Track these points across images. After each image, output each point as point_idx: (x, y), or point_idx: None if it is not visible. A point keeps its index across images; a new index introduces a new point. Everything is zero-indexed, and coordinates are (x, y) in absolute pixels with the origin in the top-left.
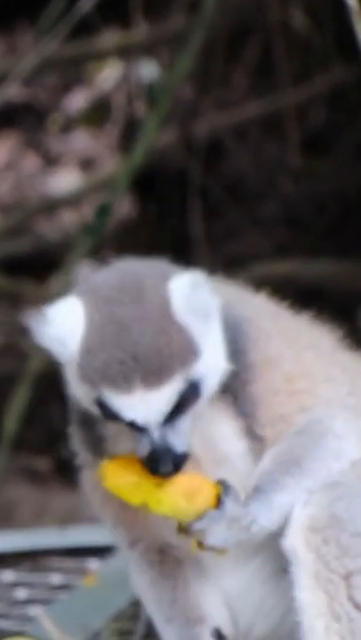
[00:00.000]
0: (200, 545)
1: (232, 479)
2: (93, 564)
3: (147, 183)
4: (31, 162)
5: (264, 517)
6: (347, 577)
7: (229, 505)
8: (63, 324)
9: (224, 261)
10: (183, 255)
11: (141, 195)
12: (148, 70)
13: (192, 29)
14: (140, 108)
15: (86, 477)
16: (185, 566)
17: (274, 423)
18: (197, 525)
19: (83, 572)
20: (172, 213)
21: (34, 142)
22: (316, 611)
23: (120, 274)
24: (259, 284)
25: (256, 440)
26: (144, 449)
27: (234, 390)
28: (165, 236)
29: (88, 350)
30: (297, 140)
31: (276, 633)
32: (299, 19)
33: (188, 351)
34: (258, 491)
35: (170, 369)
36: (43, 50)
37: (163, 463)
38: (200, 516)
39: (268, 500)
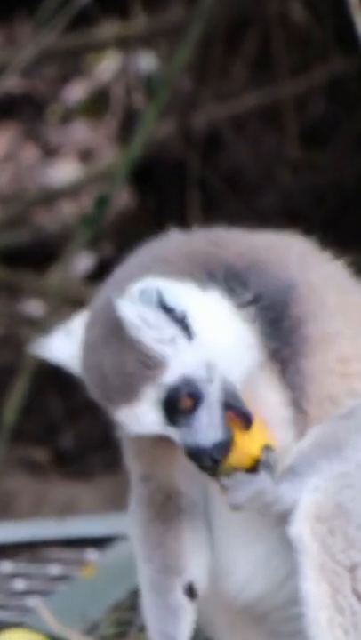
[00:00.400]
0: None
1: (274, 440)
2: (92, 554)
3: (145, 174)
4: (30, 153)
5: (291, 499)
6: (352, 569)
7: (262, 477)
8: (62, 349)
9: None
10: None
11: (140, 186)
12: (147, 62)
13: (191, 21)
14: (139, 99)
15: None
16: (184, 518)
17: (321, 402)
18: (224, 482)
19: (81, 563)
20: (170, 204)
21: (33, 133)
22: (320, 602)
23: (108, 282)
24: None
25: (300, 413)
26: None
27: (283, 359)
28: (164, 228)
29: (82, 371)
30: (296, 131)
31: (273, 597)
32: (298, 10)
33: (143, 364)
34: (292, 471)
35: (130, 386)
36: (42, 41)
37: (198, 461)
38: (231, 471)
39: (300, 482)
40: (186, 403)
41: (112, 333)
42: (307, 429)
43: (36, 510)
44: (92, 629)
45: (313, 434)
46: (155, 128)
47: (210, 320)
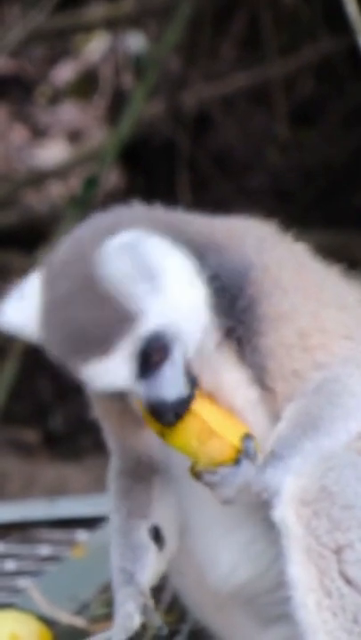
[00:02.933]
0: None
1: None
2: (82, 535)
3: (135, 155)
4: (19, 134)
5: (278, 482)
6: (338, 551)
7: (245, 467)
8: (21, 309)
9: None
10: None
11: (129, 166)
12: (136, 42)
13: (180, 1)
14: (128, 79)
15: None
16: (155, 477)
17: (287, 378)
18: (209, 478)
19: (71, 544)
20: (159, 185)
21: (21, 114)
22: (307, 586)
23: (69, 243)
24: None
25: (267, 391)
26: (143, 405)
27: (241, 339)
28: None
29: (44, 331)
30: (285, 111)
31: (259, 582)
32: None
33: (121, 317)
34: (274, 456)
35: (106, 338)
36: (30, 22)
37: (160, 415)
38: (214, 467)
39: (284, 465)
40: (157, 355)
41: (84, 285)
42: (277, 407)
43: (25, 491)
44: (82, 610)
45: (287, 415)
46: (144, 108)
47: (179, 280)
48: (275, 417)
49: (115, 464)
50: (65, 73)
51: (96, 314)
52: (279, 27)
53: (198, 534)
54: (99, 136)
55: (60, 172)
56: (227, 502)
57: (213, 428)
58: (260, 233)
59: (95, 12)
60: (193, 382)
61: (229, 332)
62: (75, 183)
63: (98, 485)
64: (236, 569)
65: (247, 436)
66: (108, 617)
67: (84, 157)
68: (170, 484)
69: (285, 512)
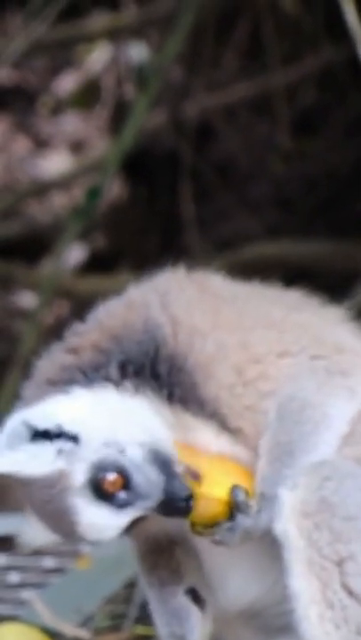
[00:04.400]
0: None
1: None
2: (86, 547)
3: (137, 165)
4: (21, 144)
5: (273, 517)
6: (340, 563)
7: (240, 520)
8: None
9: (215, 243)
10: (174, 237)
11: (131, 177)
12: (138, 52)
13: (181, 11)
14: (130, 89)
15: None
16: (176, 546)
17: (243, 415)
18: (212, 538)
19: (76, 556)
20: (162, 195)
21: (24, 125)
22: (309, 598)
23: None
24: (249, 265)
25: (236, 432)
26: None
27: (183, 398)
28: (156, 218)
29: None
30: (287, 120)
31: (267, 600)
32: None
33: (53, 485)
34: (263, 498)
35: (63, 512)
36: (32, 32)
37: (177, 512)
38: (211, 527)
39: (275, 502)
40: (112, 482)
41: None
42: (252, 442)
43: None
44: (86, 622)
45: (262, 452)
46: (146, 118)
47: (88, 411)
48: (254, 451)
49: (134, 547)
50: (67, 83)
51: (39, 498)
52: (281, 36)
53: (205, 558)
54: (101, 146)
55: (63, 183)
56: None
57: (198, 492)
58: (161, 288)
59: (97, 22)
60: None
61: (170, 398)
62: (77, 194)
63: None
64: (244, 589)
65: (235, 488)
66: (112, 629)
67: (87, 168)
68: (188, 544)
69: (287, 525)
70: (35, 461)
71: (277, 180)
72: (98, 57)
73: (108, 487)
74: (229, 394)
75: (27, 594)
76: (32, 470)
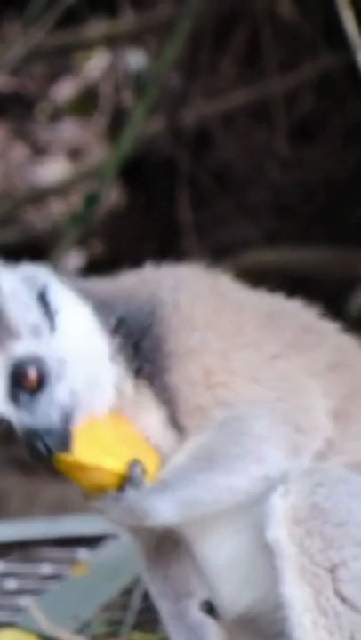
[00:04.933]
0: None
1: (150, 450)
2: (83, 553)
3: (135, 172)
4: (19, 151)
5: (161, 511)
6: (332, 570)
7: (128, 494)
8: None
9: (213, 249)
10: (172, 243)
11: (129, 183)
12: (136, 59)
13: (179, 18)
14: (128, 96)
15: None
16: (181, 549)
17: (192, 413)
18: (95, 503)
19: (73, 562)
20: (160, 202)
21: (22, 132)
22: (302, 605)
23: None
24: (247, 272)
25: (180, 431)
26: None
27: (151, 377)
28: (154, 225)
29: None
30: (285, 127)
31: (262, 606)
32: (286, 6)
33: (1, 332)
34: (163, 484)
35: None
36: (30, 39)
37: (33, 444)
38: (98, 494)
39: (170, 494)
40: (31, 380)
41: None
42: None
43: (27, 509)
44: (83, 628)
45: (186, 447)
46: (144, 125)
47: (76, 326)
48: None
49: (138, 551)
50: (65, 90)
51: None
52: (279, 43)
53: (201, 567)
54: (99, 153)
55: (61, 190)
56: (118, 523)
57: (88, 463)
58: (179, 274)
59: (95, 29)
60: (69, 422)
61: (139, 372)
62: (75, 200)
63: None
64: (237, 598)
65: (135, 462)
66: (109, 636)
67: (85, 174)
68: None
69: (278, 532)
70: (16, 304)
71: (275, 186)
72: (96, 64)
73: (24, 379)
74: (190, 389)
75: (24, 600)
76: (8, 306)
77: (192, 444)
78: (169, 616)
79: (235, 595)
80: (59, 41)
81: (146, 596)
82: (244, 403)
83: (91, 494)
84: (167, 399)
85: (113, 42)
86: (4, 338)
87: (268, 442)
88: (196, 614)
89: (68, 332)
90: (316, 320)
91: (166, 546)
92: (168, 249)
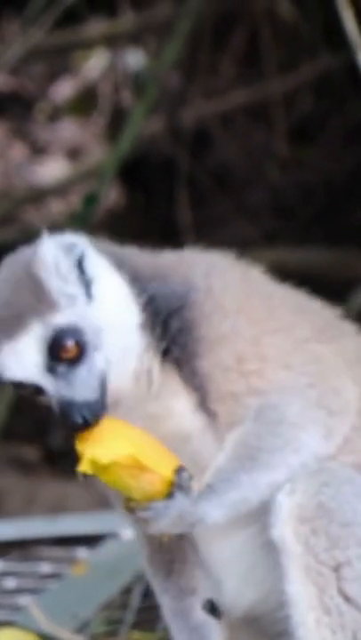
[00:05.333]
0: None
1: (191, 454)
2: (82, 552)
3: (134, 172)
4: (18, 151)
5: (212, 516)
6: (336, 569)
7: (179, 501)
8: None
9: (212, 249)
10: (171, 243)
11: (129, 183)
12: (135, 59)
13: (179, 18)
14: (127, 96)
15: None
16: (185, 544)
17: (224, 400)
18: (143, 514)
19: (72, 561)
20: (159, 202)
21: (21, 131)
22: (306, 604)
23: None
24: None
25: (210, 416)
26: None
27: (180, 362)
28: (153, 225)
29: None
30: (284, 127)
31: (265, 605)
32: (285, 7)
33: (40, 302)
34: (210, 489)
35: (18, 319)
36: (29, 39)
37: (67, 416)
38: (146, 503)
39: (218, 499)
40: (70, 350)
41: (16, 272)
42: (222, 432)
43: (26, 508)
44: (82, 628)
45: (227, 446)
46: (143, 125)
47: (111, 296)
48: (221, 443)
49: (141, 545)
50: (64, 90)
51: (16, 294)
52: (279, 43)
53: (205, 564)
54: (98, 153)
55: (60, 189)
56: (160, 535)
57: (145, 462)
58: (211, 260)
59: (94, 28)
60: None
61: (166, 354)
62: (74, 200)
63: (98, 503)
64: (240, 595)
65: (180, 469)
66: (108, 635)
67: (84, 174)
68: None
69: (284, 530)
70: (56, 275)
71: (274, 187)
72: (95, 63)
73: (63, 350)
74: (222, 375)
75: (23, 599)
76: (48, 276)
77: (231, 441)
78: (171, 613)
79: (238, 592)
80: (58, 41)
81: (145, 595)
82: (276, 390)
83: (137, 504)
84: (196, 384)
85: (112, 42)
86: (43, 308)
87: (303, 429)
88: (200, 613)
89: (104, 300)
90: (337, 318)
91: (170, 540)
92: (167, 248)
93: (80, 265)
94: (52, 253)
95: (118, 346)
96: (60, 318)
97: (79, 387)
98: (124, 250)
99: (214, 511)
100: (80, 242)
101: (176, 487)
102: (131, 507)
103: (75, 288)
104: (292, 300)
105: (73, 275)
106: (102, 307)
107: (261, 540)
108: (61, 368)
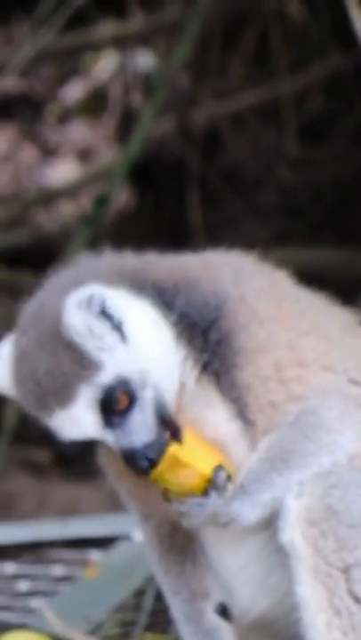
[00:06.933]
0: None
1: (228, 462)
2: (95, 555)
3: (144, 173)
4: (29, 153)
5: (245, 516)
6: (346, 570)
7: (213, 500)
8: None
9: (222, 250)
10: (181, 245)
11: (139, 184)
12: (145, 60)
13: (188, 19)
14: (137, 98)
15: (102, 451)
16: (194, 541)
17: (264, 410)
18: (178, 507)
19: (85, 564)
20: (170, 203)
21: (31, 133)
22: (316, 606)
23: (38, 297)
24: None
25: (249, 424)
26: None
27: (219, 373)
28: (163, 226)
29: (14, 386)
30: (294, 128)
31: (278, 610)
32: (295, 7)
33: (84, 368)
34: (242, 490)
35: (65, 388)
36: (39, 41)
37: (133, 463)
38: (183, 497)
39: (250, 499)
40: (121, 402)
41: (46, 337)
42: (257, 438)
43: (38, 511)
44: (95, 630)
45: (260, 448)
46: (153, 126)
47: (143, 328)
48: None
49: (147, 536)
50: (74, 91)
51: (55, 361)
52: (288, 44)
53: (216, 570)
54: (108, 155)
55: (70, 191)
56: (193, 526)
57: (183, 459)
58: (238, 264)
59: (104, 30)
60: (167, 427)
61: (206, 367)
62: (85, 202)
63: (111, 505)
64: (254, 602)
65: (219, 468)
66: (121, 637)
67: (94, 176)
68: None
69: (293, 533)
70: (90, 336)
71: (285, 187)
72: (105, 65)
73: (115, 405)
74: (262, 385)
75: (36, 602)
76: (84, 341)
77: (265, 444)
78: (183, 617)
79: (252, 599)
80: (68, 42)
81: (158, 598)
82: (317, 394)
83: (174, 497)
84: (235, 396)
85: (122, 43)
86: (88, 373)
87: (341, 433)
88: (212, 617)
89: (138, 336)
90: (353, 317)
91: (179, 539)
92: (178, 250)
93: (104, 312)
94: (79, 316)
95: (162, 374)
96: (106, 376)
97: (136, 432)
98: (143, 261)
99: (247, 511)
100: (96, 290)
101: (212, 486)
102: (168, 497)
103: (109, 339)
104: (317, 304)
105: (103, 326)
106: (138, 344)
107: (275, 545)
108: (117, 420)
